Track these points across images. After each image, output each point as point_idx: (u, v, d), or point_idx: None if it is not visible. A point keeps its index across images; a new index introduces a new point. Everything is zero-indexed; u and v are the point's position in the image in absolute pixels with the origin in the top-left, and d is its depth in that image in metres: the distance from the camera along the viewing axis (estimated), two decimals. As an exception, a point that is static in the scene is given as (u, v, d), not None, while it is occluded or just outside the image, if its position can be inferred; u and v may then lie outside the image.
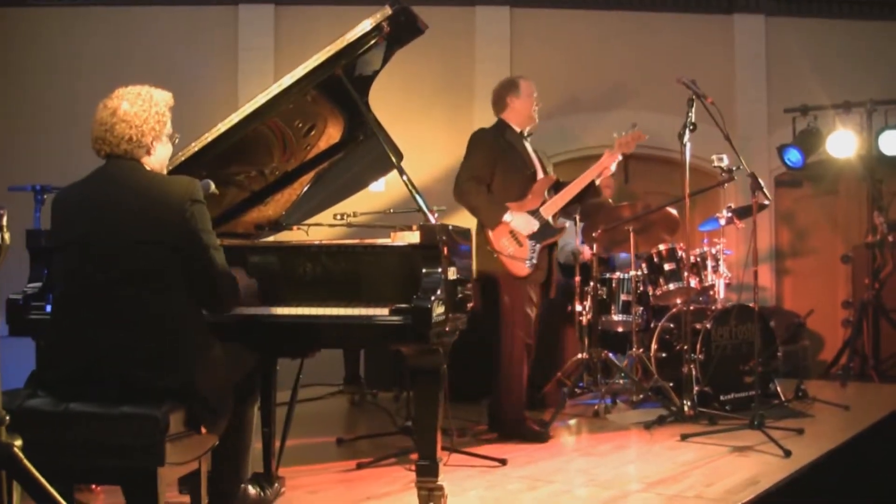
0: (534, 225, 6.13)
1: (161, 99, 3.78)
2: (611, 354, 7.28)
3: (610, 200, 8.05)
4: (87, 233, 3.54)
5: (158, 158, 3.78)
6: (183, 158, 4.31)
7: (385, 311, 3.98)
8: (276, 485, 4.47)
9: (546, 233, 6.18)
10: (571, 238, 7.67)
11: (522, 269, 6.11)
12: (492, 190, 6.21)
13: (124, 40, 9.56)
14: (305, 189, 5.27)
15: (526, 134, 6.43)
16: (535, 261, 6.13)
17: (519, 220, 6.11)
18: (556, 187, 6.38)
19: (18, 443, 2.49)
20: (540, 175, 6.30)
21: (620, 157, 6.36)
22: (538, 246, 6.14)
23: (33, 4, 9.57)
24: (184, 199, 3.56)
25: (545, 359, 7.16)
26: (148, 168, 3.70)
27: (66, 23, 9.56)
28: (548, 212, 6.22)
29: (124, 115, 3.63)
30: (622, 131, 6.36)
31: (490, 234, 6.13)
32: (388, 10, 4.36)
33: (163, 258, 3.50)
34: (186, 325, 3.56)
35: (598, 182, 6.46)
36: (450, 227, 4.30)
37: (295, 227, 5.37)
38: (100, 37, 9.56)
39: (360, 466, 5.36)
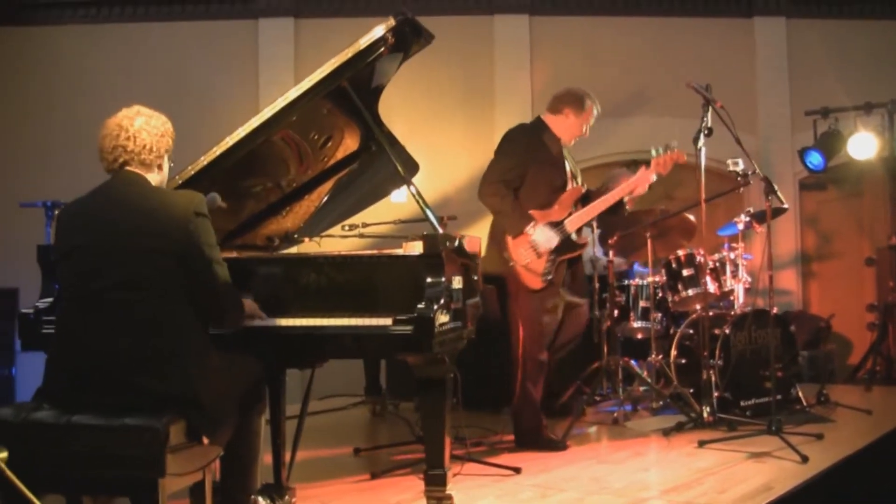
0: (554, 241, 6.02)
1: (168, 121, 3.88)
2: (631, 361, 7.27)
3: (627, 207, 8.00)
4: (90, 241, 3.61)
5: (164, 176, 3.88)
6: (192, 172, 4.35)
7: (389, 321, 3.98)
8: (287, 496, 4.49)
9: (567, 247, 6.09)
10: (589, 246, 7.64)
11: (537, 282, 6.03)
12: (519, 193, 6.11)
13: (145, 56, 9.68)
14: (324, 200, 5.29)
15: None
16: (551, 277, 6.03)
17: (540, 235, 6.01)
18: (584, 199, 6.27)
19: (3, 455, 2.53)
20: (570, 185, 6.22)
21: (655, 178, 6.26)
22: (557, 259, 6.06)
23: (53, 23, 9.70)
24: (188, 211, 3.62)
25: (565, 367, 7.12)
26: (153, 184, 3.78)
27: (87, 39, 9.68)
28: (572, 226, 6.12)
29: (145, 125, 3.75)
30: (661, 149, 6.25)
31: (509, 241, 6.06)
32: (391, 21, 4.37)
33: (164, 267, 3.56)
34: (185, 332, 3.60)
35: (626, 199, 6.36)
36: (460, 238, 4.31)
37: (307, 239, 5.42)
38: (120, 53, 9.68)
39: (374, 476, 5.37)
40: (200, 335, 3.70)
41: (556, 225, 6.07)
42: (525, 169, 6.11)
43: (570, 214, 6.13)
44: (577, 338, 6.59)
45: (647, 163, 6.26)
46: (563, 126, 6.27)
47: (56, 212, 5.68)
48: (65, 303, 3.76)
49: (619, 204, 6.37)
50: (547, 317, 6.17)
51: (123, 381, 3.44)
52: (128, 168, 3.73)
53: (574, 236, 6.13)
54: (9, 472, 2.47)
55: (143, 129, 3.73)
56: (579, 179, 6.36)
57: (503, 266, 6.11)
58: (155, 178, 3.80)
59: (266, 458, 4.52)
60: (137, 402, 3.41)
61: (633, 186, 6.22)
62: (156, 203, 3.65)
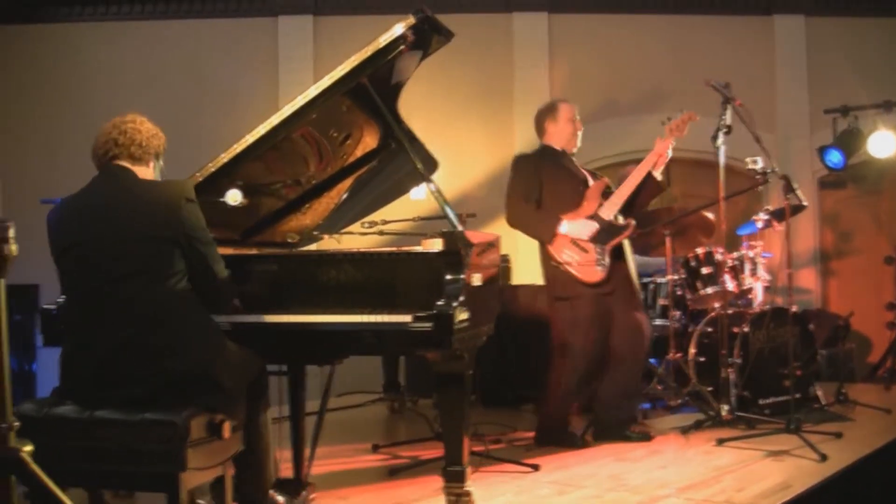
0: (592, 227, 5.99)
1: (163, 135, 3.99)
2: (649, 359, 7.28)
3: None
4: (85, 236, 3.68)
5: (151, 175, 3.94)
6: (213, 169, 4.37)
7: (408, 318, 3.99)
8: (305, 492, 4.51)
9: (611, 232, 6.03)
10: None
11: (594, 273, 5.98)
12: (543, 206, 6.10)
13: (164, 54, 9.74)
14: (344, 197, 5.30)
15: (570, 153, 6.32)
16: (606, 262, 6.00)
17: (574, 226, 5.99)
18: (608, 194, 6.22)
19: (28, 448, 2.56)
20: (591, 181, 6.20)
21: (674, 142, 6.19)
22: (605, 248, 6.02)
23: (76, 20, 9.75)
24: (179, 197, 3.72)
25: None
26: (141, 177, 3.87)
27: (108, 37, 9.74)
28: (607, 212, 6.07)
29: (138, 125, 3.86)
30: (670, 117, 6.21)
31: (550, 248, 6.04)
32: (411, 20, 4.38)
33: (161, 250, 3.63)
34: (191, 311, 3.68)
35: (656, 173, 6.22)
36: (476, 234, 4.32)
37: (327, 236, 5.44)
38: (139, 51, 9.74)
39: (392, 473, 5.39)
40: (207, 317, 3.77)
41: (591, 218, 6.06)
42: (540, 183, 6.12)
43: (600, 205, 6.11)
44: (639, 356, 6.31)
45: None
46: (556, 137, 6.28)
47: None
48: (67, 300, 3.83)
49: (655, 183, 6.27)
50: (595, 326, 6.08)
51: (137, 369, 3.51)
52: (115, 162, 3.81)
53: (614, 220, 6.09)
54: (34, 466, 2.49)
55: (134, 127, 3.84)
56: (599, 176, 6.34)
57: (554, 274, 6.08)
58: (144, 172, 3.87)
59: (285, 454, 4.57)
60: (154, 388, 3.48)
61: (656, 157, 6.16)
62: (145, 191, 3.76)
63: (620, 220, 6.14)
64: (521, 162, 6.26)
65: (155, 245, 3.62)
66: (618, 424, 6.24)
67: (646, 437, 6.26)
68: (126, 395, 3.48)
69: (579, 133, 6.32)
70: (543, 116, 6.34)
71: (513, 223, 6.15)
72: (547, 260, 6.11)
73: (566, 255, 6.01)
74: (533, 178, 6.13)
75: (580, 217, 6.05)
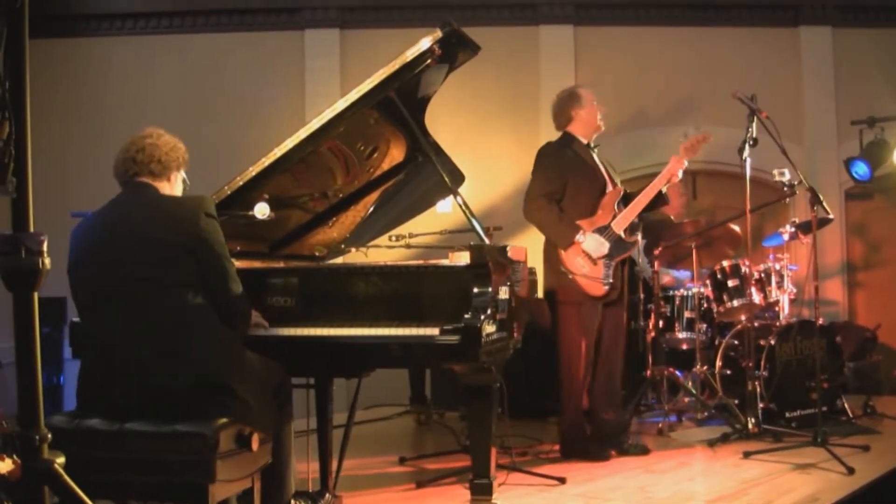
0: (605, 247, 6.02)
1: (182, 145, 4.01)
2: (676, 372, 7.27)
3: (672, 218, 7.99)
4: (99, 244, 3.73)
5: (174, 190, 3.99)
6: (241, 182, 4.41)
7: (436, 331, 4.01)
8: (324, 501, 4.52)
9: (619, 248, 6.07)
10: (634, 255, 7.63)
11: (599, 288, 6.03)
12: (562, 205, 6.13)
13: (192, 67, 9.79)
14: (370, 210, 5.33)
15: (593, 145, 6.32)
16: (611, 279, 6.04)
17: (590, 243, 6.01)
18: (625, 199, 6.25)
19: (60, 460, 2.59)
20: (609, 188, 6.21)
21: (687, 163, 6.21)
22: (612, 263, 6.05)
23: (103, 35, 9.83)
24: (198, 211, 3.74)
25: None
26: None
27: (136, 51, 9.81)
28: (619, 226, 6.10)
29: (156, 140, 3.90)
30: (686, 135, 6.27)
31: (563, 254, 6.06)
32: (438, 33, 4.40)
33: (179, 261, 3.66)
34: (207, 323, 3.69)
35: (665, 190, 6.27)
36: (505, 247, 4.34)
37: (354, 249, 5.46)
38: (168, 64, 9.80)
39: (419, 485, 5.40)
40: (224, 329, 3.78)
41: (604, 229, 6.07)
42: (563, 180, 6.14)
43: (614, 217, 6.12)
44: (621, 356, 6.40)
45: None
46: (581, 126, 6.29)
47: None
48: (82, 313, 3.85)
49: (662, 197, 6.30)
50: (591, 332, 6.14)
51: (153, 379, 3.54)
52: (137, 179, 3.85)
53: (623, 236, 6.12)
54: (67, 477, 2.52)
55: (152, 143, 3.88)
56: (617, 181, 6.35)
57: (561, 280, 6.10)
58: (165, 188, 3.92)
59: (313, 465, 4.59)
60: (169, 395, 3.51)
61: (668, 175, 6.18)
62: (165, 205, 3.81)
63: (629, 236, 6.20)
64: (547, 154, 6.26)
65: (172, 258, 3.65)
66: (612, 434, 6.24)
67: (643, 449, 6.25)
68: (143, 402, 3.52)
69: (601, 115, 6.35)
70: (568, 105, 6.32)
71: (531, 218, 6.20)
72: (556, 265, 6.13)
73: (577, 263, 6.04)
74: (558, 175, 6.15)
75: (595, 225, 6.08)
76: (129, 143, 3.89)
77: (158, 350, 3.56)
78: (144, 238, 3.66)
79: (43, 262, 2.49)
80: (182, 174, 4.02)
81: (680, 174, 6.21)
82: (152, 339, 3.57)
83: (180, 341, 3.59)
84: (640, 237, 7.31)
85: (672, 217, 7.98)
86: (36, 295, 2.54)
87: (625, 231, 6.13)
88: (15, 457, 2.52)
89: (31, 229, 2.50)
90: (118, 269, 3.64)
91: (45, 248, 2.49)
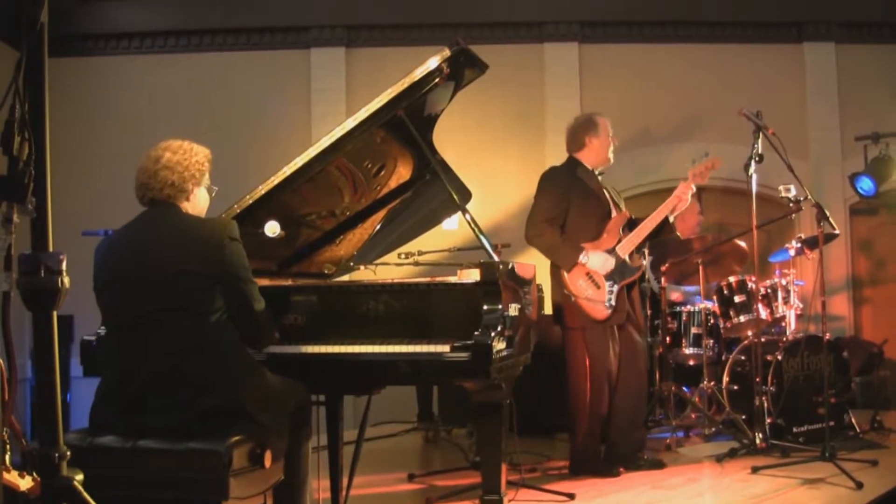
0: (610, 263, 6.02)
1: (200, 151, 3.99)
2: (683, 387, 7.27)
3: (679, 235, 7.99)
4: (127, 270, 3.74)
5: (197, 205, 3.98)
6: (251, 200, 4.43)
7: (446, 348, 4.02)
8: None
9: (624, 272, 6.07)
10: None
11: (601, 311, 6.01)
12: (566, 230, 6.13)
13: (200, 86, 9.83)
14: (377, 228, 5.35)
15: (598, 172, 6.32)
16: (613, 303, 6.01)
17: (595, 260, 6.00)
18: (630, 224, 6.26)
19: (79, 477, 2.60)
20: (614, 213, 6.21)
21: (694, 189, 6.22)
22: (616, 287, 6.04)
23: (111, 54, 9.88)
24: (222, 235, 3.75)
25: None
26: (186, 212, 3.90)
27: (143, 70, 9.85)
28: (624, 250, 6.10)
29: (167, 162, 3.85)
30: (694, 160, 6.26)
31: (566, 276, 6.05)
32: (446, 52, 4.43)
33: (202, 287, 3.67)
34: (229, 349, 3.72)
35: (672, 218, 6.27)
36: (513, 265, 4.36)
37: (362, 267, 5.48)
38: (176, 83, 9.84)
39: (429, 502, 5.41)
40: (245, 352, 3.81)
41: (609, 252, 6.07)
42: (566, 204, 6.13)
43: (619, 241, 6.12)
44: (641, 381, 6.37)
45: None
46: (592, 155, 6.28)
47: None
48: (107, 332, 3.88)
49: (668, 225, 6.32)
50: (609, 348, 6.11)
51: (173, 400, 3.55)
52: (157, 199, 3.86)
53: (628, 260, 6.12)
54: (86, 495, 2.54)
55: (165, 166, 3.84)
56: (622, 206, 6.35)
57: (565, 302, 6.10)
58: (186, 207, 3.91)
59: (324, 482, 4.60)
60: (190, 419, 3.52)
61: (676, 201, 6.17)
62: (188, 228, 3.80)
63: (634, 261, 6.19)
64: (550, 179, 6.25)
65: (197, 281, 3.66)
66: (629, 452, 6.23)
67: (658, 464, 6.26)
68: (162, 425, 3.53)
69: (613, 148, 6.35)
70: (583, 131, 6.30)
71: (534, 243, 6.18)
72: (559, 287, 6.12)
73: (580, 286, 6.03)
74: (561, 200, 6.14)
75: (599, 249, 6.07)
76: (141, 165, 3.88)
77: (183, 373, 3.57)
78: (170, 266, 3.66)
79: (62, 282, 2.50)
80: (205, 183, 3.99)
81: (688, 199, 6.21)
82: (179, 362, 3.58)
83: (205, 365, 3.61)
84: (647, 253, 7.33)
85: (679, 234, 7.98)
86: (55, 314, 2.56)
87: (630, 255, 6.14)
88: (35, 474, 2.54)
89: (51, 248, 2.52)
90: (151, 299, 3.65)
91: (64, 266, 2.51)
